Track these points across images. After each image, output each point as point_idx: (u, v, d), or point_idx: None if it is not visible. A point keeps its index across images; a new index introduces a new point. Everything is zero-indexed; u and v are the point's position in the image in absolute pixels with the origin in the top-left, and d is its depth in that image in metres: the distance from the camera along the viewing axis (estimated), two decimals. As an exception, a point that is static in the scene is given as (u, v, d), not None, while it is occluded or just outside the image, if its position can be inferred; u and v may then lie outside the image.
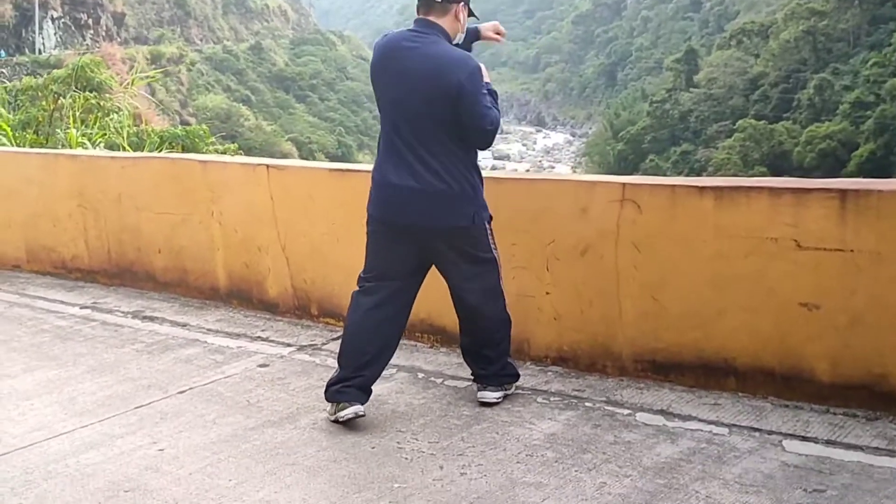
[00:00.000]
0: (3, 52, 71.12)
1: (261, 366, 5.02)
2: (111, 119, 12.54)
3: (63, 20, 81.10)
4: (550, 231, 4.64)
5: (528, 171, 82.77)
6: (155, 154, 6.78)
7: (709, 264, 4.24)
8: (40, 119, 13.58)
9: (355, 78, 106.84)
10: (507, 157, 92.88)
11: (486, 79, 4.09)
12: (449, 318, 4.55)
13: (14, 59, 67.89)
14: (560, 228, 4.61)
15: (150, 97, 71.57)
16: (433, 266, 4.21)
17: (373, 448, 3.94)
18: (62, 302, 6.42)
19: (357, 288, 4.24)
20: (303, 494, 3.52)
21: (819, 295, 4.01)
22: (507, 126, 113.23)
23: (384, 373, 4.38)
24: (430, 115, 3.93)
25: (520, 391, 4.46)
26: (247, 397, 4.57)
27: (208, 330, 5.66)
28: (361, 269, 4.21)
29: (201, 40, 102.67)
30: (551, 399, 4.38)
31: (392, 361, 4.85)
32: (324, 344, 5.32)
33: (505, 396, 4.37)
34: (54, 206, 6.83)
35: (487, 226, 4.15)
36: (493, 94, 4.10)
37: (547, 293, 4.71)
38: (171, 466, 3.81)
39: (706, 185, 4.25)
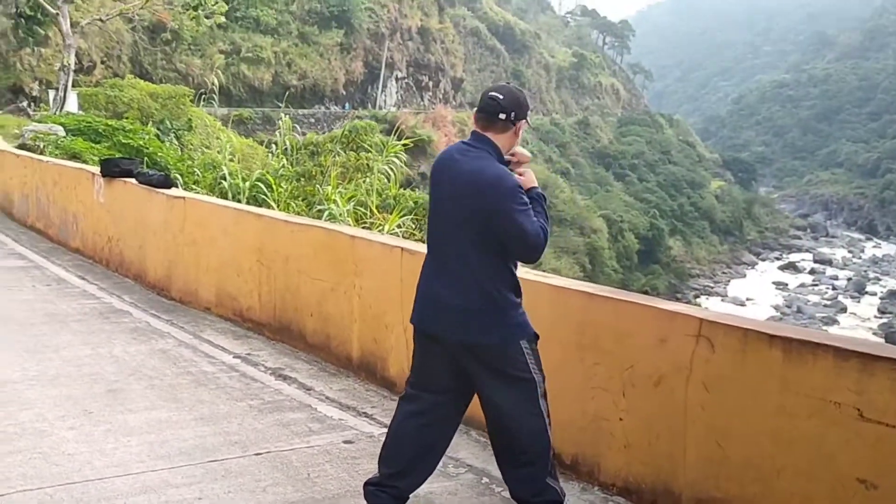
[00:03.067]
0: (348, 105, 76.93)
1: (346, 441, 5.15)
2: (364, 180, 13.26)
3: (406, 80, 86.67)
4: (630, 356, 4.46)
5: (849, 279, 78.63)
6: (316, 222, 7.12)
7: (772, 418, 3.91)
8: (313, 173, 14.64)
9: (678, 163, 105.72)
10: (829, 262, 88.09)
11: (533, 183, 4.06)
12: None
13: (356, 112, 73.03)
14: (639, 355, 4.42)
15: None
16: None
17: (386, 545, 3.93)
18: (223, 349, 6.90)
19: (402, 393, 4.27)
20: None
21: (878, 473, 3.59)
22: (834, 230, 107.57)
23: (446, 468, 4.48)
24: (464, 230, 3.91)
25: (568, 516, 4.28)
26: (311, 470, 4.72)
27: (326, 398, 5.87)
28: (409, 374, 4.25)
29: (532, 110, 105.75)
30: (594, 531, 4.17)
31: (465, 459, 4.84)
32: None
33: (547, 518, 4.20)
34: (240, 258, 7.39)
35: (527, 345, 4.02)
36: (539, 198, 4.03)
37: (620, 419, 4.52)
38: (198, 525, 4.01)
39: (776, 335, 3.92)
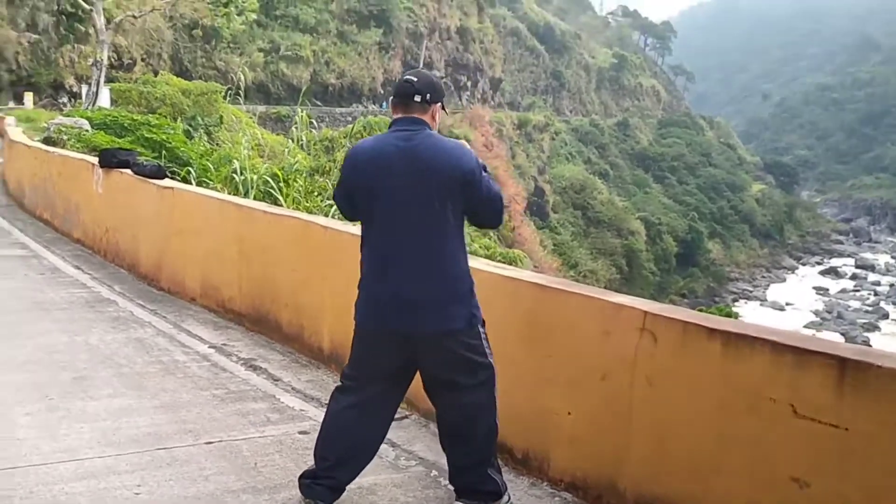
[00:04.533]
0: (385, 104, 76.76)
1: (301, 432, 5.09)
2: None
3: (444, 80, 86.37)
4: (579, 349, 4.36)
5: (891, 285, 77.19)
6: (292, 213, 7.06)
7: (713, 414, 3.79)
8: (327, 168, 14.64)
9: (718, 165, 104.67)
10: (871, 268, 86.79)
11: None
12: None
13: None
14: (587, 348, 4.32)
15: (509, 160, 74.57)
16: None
17: (315, 536, 3.86)
18: (200, 339, 6.88)
19: (338, 384, 4.21)
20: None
21: (812, 472, 3.46)
22: (877, 235, 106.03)
23: (397, 461, 4.52)
24: (432, 210, 3.83)
25: (510, 511, 4.19)
26: (259, 460, 4.67)
27: (292, 388, 5.82)
28: (345, 366, 4.18)
29: (570, 111, 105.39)
30: (531, 528, 4.08)
31: (418, 452, 4.77)
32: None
33: (488, 512, 4.12)
34: (222, 249, 7.38)
35: (482, 330, 3.99)
36: (490, 176, 4.01)
37: (569, 413, 4.42)
38: (129, 512, 3.97)
39: (715, 328, 3.80)
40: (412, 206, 3.86)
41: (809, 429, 3.45)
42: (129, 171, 9.25)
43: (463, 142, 4.04)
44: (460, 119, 72.87)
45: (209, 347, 6.68)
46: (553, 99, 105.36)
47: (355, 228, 6.31)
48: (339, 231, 6.04)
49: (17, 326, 6.96)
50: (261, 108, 46.48)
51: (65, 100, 46.20)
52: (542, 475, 4.56)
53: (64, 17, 42.25)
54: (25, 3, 40.70)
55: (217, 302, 7.57)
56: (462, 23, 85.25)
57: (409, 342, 3.93)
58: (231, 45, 59.49)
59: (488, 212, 3.97)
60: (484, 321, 4.03)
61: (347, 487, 4.24)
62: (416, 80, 4.00)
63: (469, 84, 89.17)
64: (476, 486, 4.10)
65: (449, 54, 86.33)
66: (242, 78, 28.40)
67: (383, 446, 4.84)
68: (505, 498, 4.21)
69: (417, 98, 3.94)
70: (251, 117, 34.39)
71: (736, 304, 71.69)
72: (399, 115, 3.97)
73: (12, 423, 4.97)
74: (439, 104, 4.02)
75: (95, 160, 10.32)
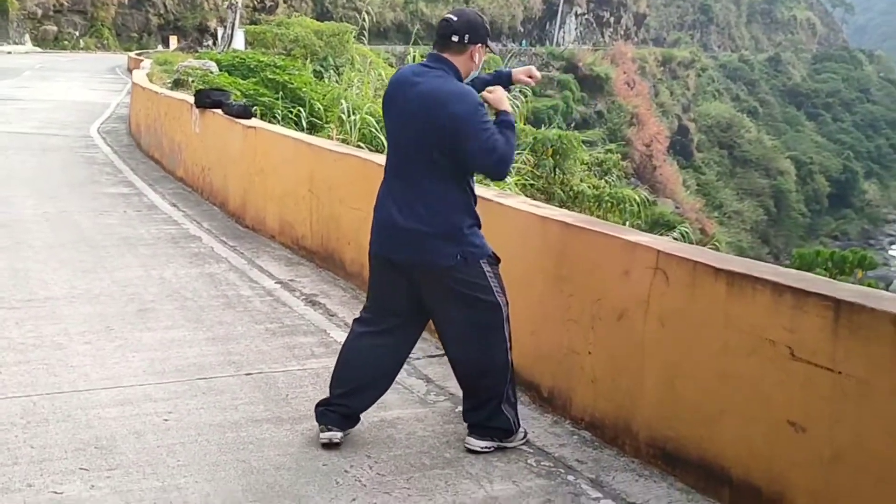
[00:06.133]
0: (524, 42, 76.30)
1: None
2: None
3: (586, 17, 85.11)
4: (599, 288, 4.30)
5: None
6: (354, 151, 7.10)
7: (718, 357, 3.70)
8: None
9: (878, 101, 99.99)
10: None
11: (503, 105, 4.02)
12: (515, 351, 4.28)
13: (532, 49, 72.47)
14: (606, 287, 4.26)
15: (652, 98, 72.92)
16: None
17: (323, 465, 3.97)
18: (269, 274, 7.06)
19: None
20: (210, 489, 3.70)
21: (807, 416, 3.35)
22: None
23: (427, 395, 4.62)
24: (422, 151, 3.89)
25: (526, 447, 4.21)
26: (290, 392, 4.81)
27: (345, 324, 5.89)
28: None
29: (719, 47, 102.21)
30: (540, 463, 4.07)
31: (449, 388, 4.82)
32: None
33: (500, 448, 4.13)
34: (296, 188, 7.51)
35: (487, 267, 3.97)
36: (508, 125, 3.93)
37: (589, 353, 4.38)
38: (154, 437, 4.17)
39: (721, 268, 3.68)
40: (405, 143, 3.94)
41: (805, 371, 3.33)
42: (220, 111, 9.49)
43: (470, 89, 3.98)
44: (601, 56, 71.60)
45: (276, 283, 6.84)
46: (700, 34, 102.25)
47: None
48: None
49: (101, 261, 7.28)
50: (399, 49, 46.70)
51: (210, 42, 47.48)
52: (565, 413, 4.55)
53: (208, -40, 43.18)
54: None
55: (292, 239, 7.74)
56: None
57: (404, 273, 3.98)
58: (375, -15, 59.97)
59: (481, 163, 3.86)
60: (497, 258, 4.03)
61: (369, 419, 4.34)
62: (455, 18, 3.99)
63: (612, 20, 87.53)
64: (485, 422, 4.12)
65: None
66: (366, 18, 28.60)
67: (416, 381, 4.95)
68: (520, 435, 4.22)
69: (455, 38, 3.93)
70: (388, 58, 34.65)
71: (893, 246, 68.80)
72: (432, 51, 3.99)
73: (70, 352, 5.23)
74: (480, 44, 3.98)
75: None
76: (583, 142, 29.70)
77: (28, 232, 8.22)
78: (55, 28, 54.78)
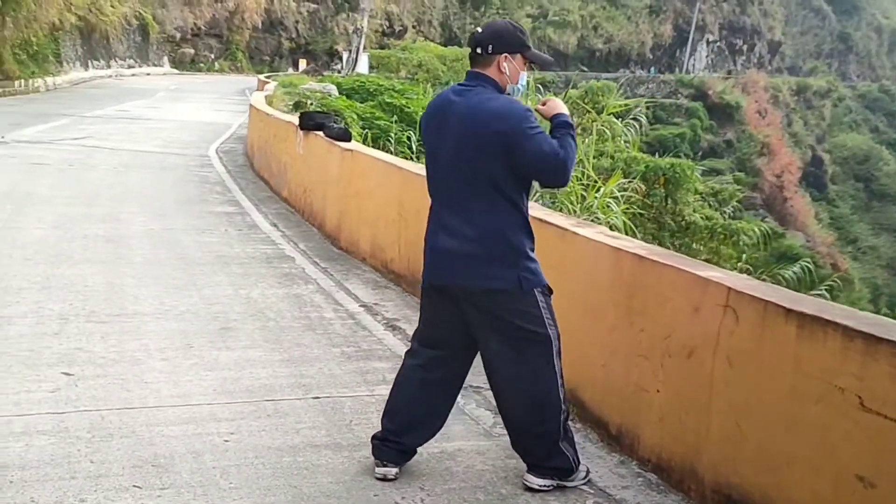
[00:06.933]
0: (653, 69, 75.41)
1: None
2: (590, 140, 12.93)
3: (717, 44, 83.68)
4: (670, 324, 4.12)
5: None
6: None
7: (786, 401, 3.49)
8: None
9: None
10: None
11: (558, 109, 3.93)
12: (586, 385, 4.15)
13: (661, 76, 71.58)
14: (676, 323, 4.08)
15: (784, 128, 71.04)
16: None
17: (375, 496, 3.91)
18: (355, 297, 7.06)
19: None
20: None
21: (877, 471, 3.11)
22: None
23: (493, 428, 4.56)
24: (470, 170, 3.76)
25: (587, 487, 4.06)
26: (355, 418, 4.76)
27: (422, 351, 5.83)
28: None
29: (858, 76, 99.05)
30: (601, 507, 3.91)
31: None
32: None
33: (559, 486, 3.99)
34: (387, 211, 7.50)
35: (540, 296, 3.81)
36: (566, 125, 3.84)
37: (658, 391, 4.19)
38: (211, 457, 4.16)
39: (792, 308, 3.46)
40: (451, 164, 3.81)
41: (875, 423, 3.09)
42: (321, 133, 9.59)
43: (513, 99, 3.87)
44: (732, 84, 70.15)
45: (360, 306, 6.82)
46: (838, 63, 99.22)
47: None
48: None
49: (193, 278, 7.39)
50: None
51: (339, 66, 48.51)
52: (633, 453, 4.38)
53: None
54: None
55: (382, 262, 7.73)
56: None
57: (455, 302, 3.88)
58: (500, 10, 60.28)
59: (540, 171, 3.72)
60: (550, 289, 3.87)
61: (430, 450, 4.26)
62: (480, 31, 3.92)
63: (745, 48, 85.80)
64: (543, 461, 3.98)
65: (724, 17, 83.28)
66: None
67: (483, 412, 4.84)
68: (581, 474, 4.06)
69: (479, 50, 3.84)
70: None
71: None
72: (469, 70, 3.90)
73: (147, 368, 5.29)
74: (505, 54, 3.83)
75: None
76: (710, 170, 29.07)
77: (130, 248, 8.43)
78: (192, 51, 56.88)
